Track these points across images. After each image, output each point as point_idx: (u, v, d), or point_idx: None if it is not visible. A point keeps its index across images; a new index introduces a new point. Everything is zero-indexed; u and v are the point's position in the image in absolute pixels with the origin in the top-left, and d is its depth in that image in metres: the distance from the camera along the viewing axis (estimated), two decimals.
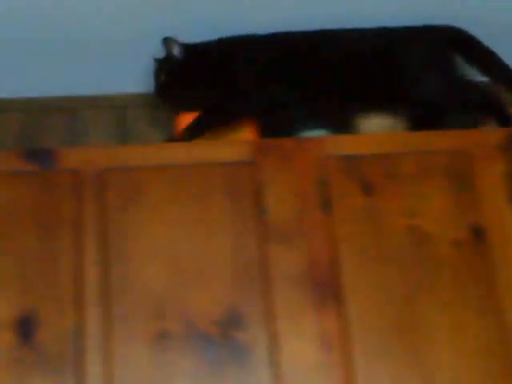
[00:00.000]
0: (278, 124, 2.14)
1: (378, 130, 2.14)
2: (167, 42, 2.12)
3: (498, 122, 2.12)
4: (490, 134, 2.01)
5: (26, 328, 1.78)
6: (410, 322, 1.82)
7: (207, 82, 2.12)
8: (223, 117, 2.09)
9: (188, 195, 1.92)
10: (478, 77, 2.22)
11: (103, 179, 1.92)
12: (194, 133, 2.04)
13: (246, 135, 2.11)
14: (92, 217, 1.89)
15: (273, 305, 1.82)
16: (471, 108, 2.14)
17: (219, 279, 1.84)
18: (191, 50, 2.14)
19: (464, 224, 1.92)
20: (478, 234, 1.91)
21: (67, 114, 2.40)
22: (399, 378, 1.77)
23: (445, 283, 1.86)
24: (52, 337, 1.78)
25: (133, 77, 2.35)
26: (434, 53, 2.13)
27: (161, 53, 2.23)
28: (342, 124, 2.13)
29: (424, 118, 2.09)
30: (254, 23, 2.20)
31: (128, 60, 2.28)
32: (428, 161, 1.98)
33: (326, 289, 1.84)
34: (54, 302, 1.80)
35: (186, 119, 2.11)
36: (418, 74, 2.10)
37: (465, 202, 1.94)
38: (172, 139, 2.05)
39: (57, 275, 1.83)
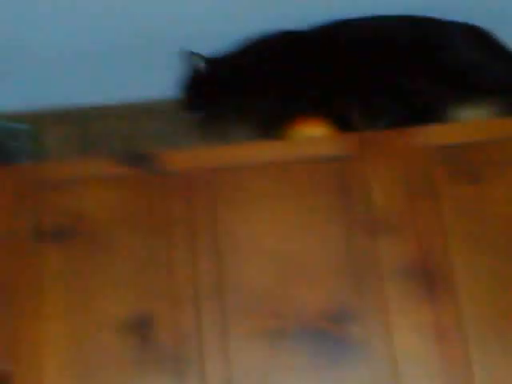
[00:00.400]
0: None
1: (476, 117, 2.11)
2: (192, 57, 2.14)
3: None
4: None
5: (144, 329, 1.82)
6: None
7: (238, 91, 2.13)
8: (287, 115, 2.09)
9: (293, 192, 1.93)
10: None
11: (210, 179, 1.95)
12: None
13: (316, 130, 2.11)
14: (201, 216, 1.92)
15: (385, 298, 1.82)
16: None
17: (330, 274, 1.85)
18: (216, 62, 2.17)
19: None
20: None
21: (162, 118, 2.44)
22: None
23: None
24: (170, 336, 1.82)
25: None
26: (481, 42, 2.10)
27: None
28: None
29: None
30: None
31: None
32: None
33: (438, 279, 1.84)
34: (170, 302, 1.84)
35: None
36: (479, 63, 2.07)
37: None
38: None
39: (171, 276, 1.87)
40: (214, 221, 1.91)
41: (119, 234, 1.91)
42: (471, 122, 1.98)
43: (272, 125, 2.13)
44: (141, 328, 1.82)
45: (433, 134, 1.96)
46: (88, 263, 1.89)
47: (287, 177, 1.95)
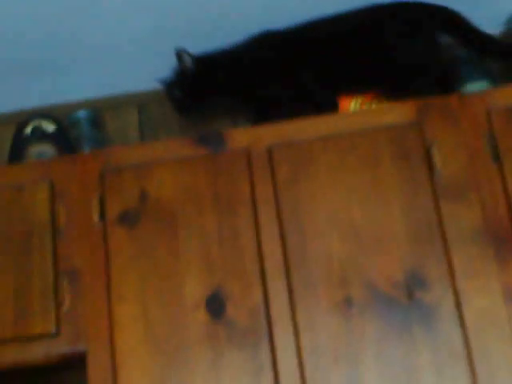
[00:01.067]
0: None
1: None
2: (179, 54, 2.15)
3: None
4: None
5: (216, 305, 1.85)
6: None
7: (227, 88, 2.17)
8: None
9: (357, 162, 1.93)
10: None
11: (272, 155, 1.96)
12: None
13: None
14: (265, 192, 1.93)
15: (453, 263, 1.82)
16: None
17: (397, 242, 1.85)
18: (207, 59, 2.18)
19: None
20: None
21: None
22: None
23: None
24: (241, 311, 1.84)
25: None
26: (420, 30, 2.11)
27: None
28: None
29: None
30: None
31: None
32: None
33: (505, 242, 1.82)
34: (239, 278, 1.87)
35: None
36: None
37: None
38: None
39: (239, 252, 1.89)
40: (279, 195, 1.92)
41: (187, 214, 1.94)
42: None
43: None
44: (212, 304, 1.85)
45: (493, 98, 1.95)
46: (157, 244, 1.92)
47: (352, 147, 1.95)
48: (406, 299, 1.80)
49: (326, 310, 1.82)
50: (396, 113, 1.97)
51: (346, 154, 1.94)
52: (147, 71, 2.36)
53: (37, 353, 1.89)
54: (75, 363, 1.92)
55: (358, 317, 1.80)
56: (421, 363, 1.76)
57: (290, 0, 2.15)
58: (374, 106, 2.10)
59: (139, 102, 2.48)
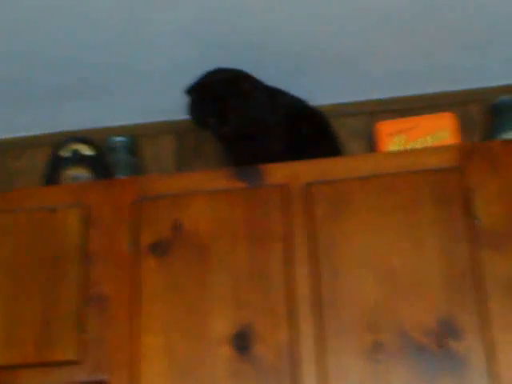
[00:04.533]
0: None
1: None
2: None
3: None
4: None
5: (242, 342, 1.82)
6: None
7: None
8: None
9: (395, 204, 1.90)
10: None
11: (310, 192, 1.94)
12: None
13: None
14: (301, 229, 1.91)
15: (488, 313, 1.77)
16: None
17: (431, 288, 1.81)
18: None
19: None
20: None
21: None
22: None
23: None
24: (267, 350, 1.81)
25: None
26: None
27: None
28: None
29: None
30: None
31: None
32: None
33: None
34: (268, 316, 1.84)
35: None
36: None
37: None
38: None
39: (269, 289, 1.86)
40: (314, 234, 1.90)
41: (219, 248, 1.92)
42: None
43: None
44: (239, 341, 1.82)
45: None
46: (187, 276, 1.90)
47: (390, 188, 1.92)
48: (436, 347, 1.76)
49: (354, 354, 1.78)
50: (437, 156, 1.93)
51: (384, 195, 1.91)
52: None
53: (58, 380, 1.86)
54: None
55: (387, 362, 1.77)
56: None
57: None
58: (416, 147, 2.06)
59: (177, 130, 2.47)
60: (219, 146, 2.27)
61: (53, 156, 2.25)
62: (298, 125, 2.13)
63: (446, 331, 1.77)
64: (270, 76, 2.24)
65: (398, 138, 2.10)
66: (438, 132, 2.08)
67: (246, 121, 2.03)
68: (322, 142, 2.15)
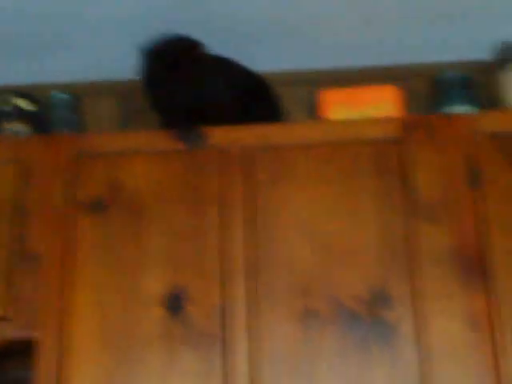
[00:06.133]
0: None
1: None
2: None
3: None
4: None
5: (175, 303, 1.82)
6: None
7: None
8: None
9: (335, 172, 1.91)
10: None
11: (250, 157, 1.94)
12: None
13: None
14: (239, 194, 1.90)
15: (420, 283, 1.79)
16: None
17: (365, 257, 1.83)
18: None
19: None
20: None
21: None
22: None
23: None
24: (200, 312, 1.81)
25: None
26: None
27: None
28: None
29: None
30: None
31: None
32: None
33: (474, 267, 1.80)
34: (201, 279, 1.83)
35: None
36: None
37: None
38: None
39: (204, 252, 1.86)
40: (252, 199, 1.90)
41: (156, 209, 1.91)
42: None
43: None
44: (172, 302, 1.81)
45: (479, 121, 1.93)
46: (122, 236, 1.89)
47: (331, 157, 1.92)
48: (368, 315, 1.78)
49: (287, 319, 1.79)
50: (378, 127, 1.94)
51: (324, 163, 1.92)
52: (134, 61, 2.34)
53: None
54: (21, 350, 1.88)
55: (319, 328, 1.78)
56: (375, 380, 1.73)
57: None
58: (358, 117, 2.06)
59: (121, 90, 2.45)
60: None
61: None
62: (242, 94, 2.11)
63: (379, 300, 1.79)
64: (217, 42, 2.23)
65: (341, 107, 2.10)
66: (380, 104, 2.09)
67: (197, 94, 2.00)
68: (263, 106, 2.14)
